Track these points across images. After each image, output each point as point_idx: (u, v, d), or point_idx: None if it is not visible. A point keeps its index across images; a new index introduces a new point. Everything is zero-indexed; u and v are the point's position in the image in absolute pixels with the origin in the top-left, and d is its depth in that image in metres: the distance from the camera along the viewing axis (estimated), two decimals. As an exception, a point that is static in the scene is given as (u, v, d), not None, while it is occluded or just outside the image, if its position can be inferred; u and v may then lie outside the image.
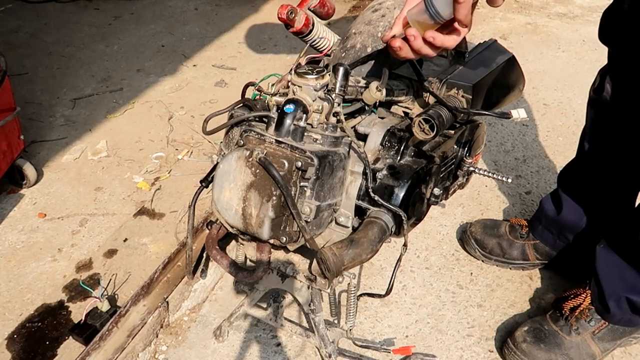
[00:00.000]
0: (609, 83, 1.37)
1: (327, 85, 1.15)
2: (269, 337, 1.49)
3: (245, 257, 1.35)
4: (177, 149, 2.21)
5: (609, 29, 1.34)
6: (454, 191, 1.42)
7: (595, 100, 1.45)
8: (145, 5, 3.52)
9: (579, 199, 1.56)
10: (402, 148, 1.20)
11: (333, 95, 1.15)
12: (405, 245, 1.18)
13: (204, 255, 1.55)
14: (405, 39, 0.95)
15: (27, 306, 1.58)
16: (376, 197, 1.13)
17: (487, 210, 1.94)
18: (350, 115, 1.26)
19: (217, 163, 1.16)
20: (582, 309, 1.41)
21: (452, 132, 1.33)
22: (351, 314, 1.32)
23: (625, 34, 1.27)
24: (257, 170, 1.06)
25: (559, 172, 1.66)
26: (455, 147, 1.35)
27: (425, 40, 0.93)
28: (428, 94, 1.25)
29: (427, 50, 0.95)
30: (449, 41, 0.94)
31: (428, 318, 1.56)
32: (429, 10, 0.90)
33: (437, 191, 1.27)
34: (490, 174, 1.38)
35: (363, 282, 1.66)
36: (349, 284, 1.27)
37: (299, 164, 1.05)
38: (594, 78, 1.45)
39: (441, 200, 1.30)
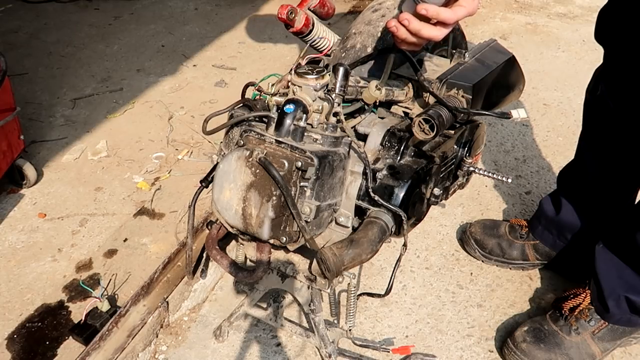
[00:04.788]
0: (604, 83, 1.38)
1: (327, 85, 1.15)
2: (269, 337, 1.49)
3: (245, 257, 1.34)
4: (177, 149, 2.21)
5: (604, 28, 1.34)
6: (454, 191, 1.42)
7: (590, 101, 1.46)
8: (145, 5, 3.51)
9: (578, 199, 1.56)
10: (402, 148, 1.20)
11: (333, 95, 1.14)
12: (405, 245, 1.18)
13: (204, 255, 1.55)
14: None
15: (27, 306, 1.58)
16: (376, 197, 1.13)
17: (487, 210, 1.94)
18: (350, 115, 1.26)
19: (217, 163, 1.16)
20: (581, 308, 1.41)
21: (452, 132, 1.33)
22: (351, 314, 1.32)
23: (619, 33, 1.27)
24: (257, 170, 1.06)
25: (558, 172, 1.66)
26: (455, 147, 1.35)
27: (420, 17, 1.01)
28: (428, 94, 1.25)
29: (429, 32, 1.02)
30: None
31: (428, 318, 1.56)
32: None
33: (437, 191, 1.27)
34: (490, 174, 1.38)
35: (363, 282, 1.66)
36: (349, 284, 1.27)
37: (299, 164, 1.05)
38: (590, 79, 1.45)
39: (441, 200, 1.30)
